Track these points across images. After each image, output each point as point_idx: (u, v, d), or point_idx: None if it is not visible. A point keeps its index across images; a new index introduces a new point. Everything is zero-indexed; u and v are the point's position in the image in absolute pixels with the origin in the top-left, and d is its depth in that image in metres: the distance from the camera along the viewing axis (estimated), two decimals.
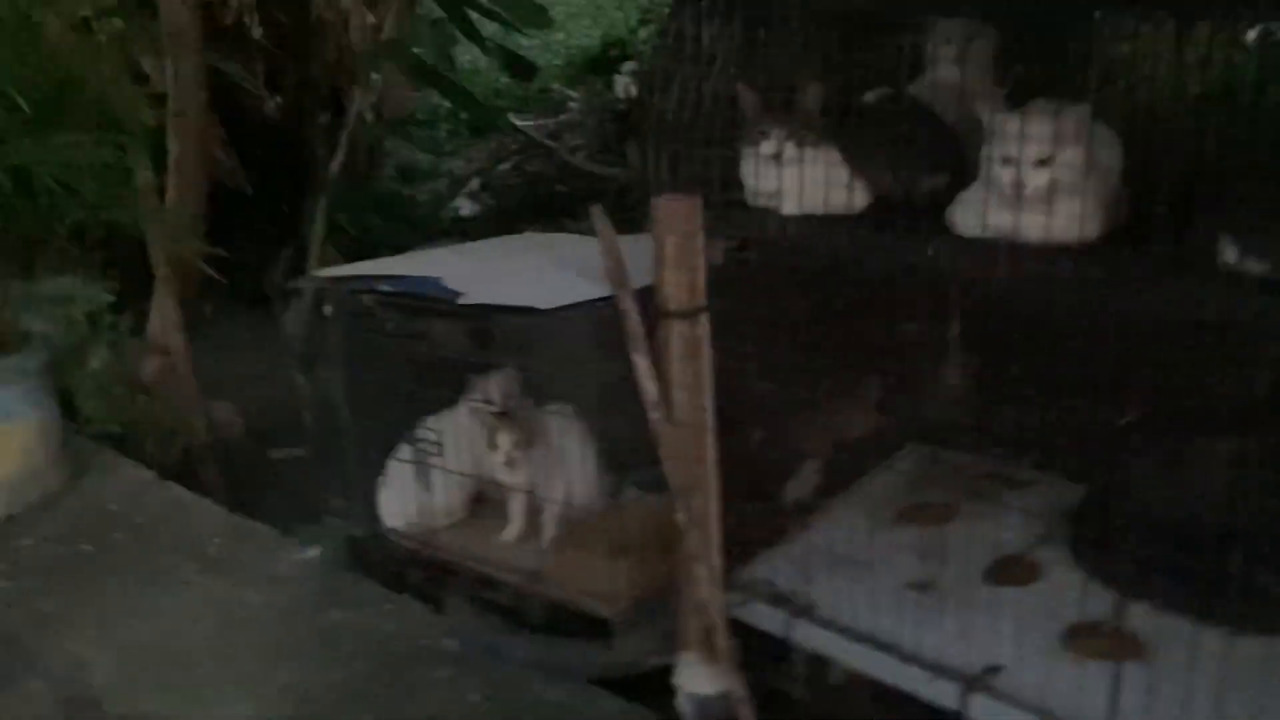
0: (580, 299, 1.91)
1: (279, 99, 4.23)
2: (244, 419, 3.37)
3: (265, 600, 2.33)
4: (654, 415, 1.78)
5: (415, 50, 4.31)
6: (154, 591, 2.37)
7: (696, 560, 1.83)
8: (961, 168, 1.72)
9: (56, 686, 2.11)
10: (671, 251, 1.73)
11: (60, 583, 2.42)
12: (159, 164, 3.21)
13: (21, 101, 2.61)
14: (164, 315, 3.13)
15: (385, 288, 2.19)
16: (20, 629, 2.28)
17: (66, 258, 3.13)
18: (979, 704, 1.66)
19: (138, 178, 2.95)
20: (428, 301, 2.09)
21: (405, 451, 2.35)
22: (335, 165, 3.81)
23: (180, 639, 2.23)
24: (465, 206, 5.65)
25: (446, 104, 5.74)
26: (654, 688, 1.96)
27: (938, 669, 1.72)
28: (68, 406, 2.96)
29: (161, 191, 3.23)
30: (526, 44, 6.19)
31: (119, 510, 2.68)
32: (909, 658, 1.75)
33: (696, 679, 1.89)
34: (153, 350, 3.13)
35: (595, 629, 2.05)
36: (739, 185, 1.86)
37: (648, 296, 1.78)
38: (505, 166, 5.99)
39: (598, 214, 1.76)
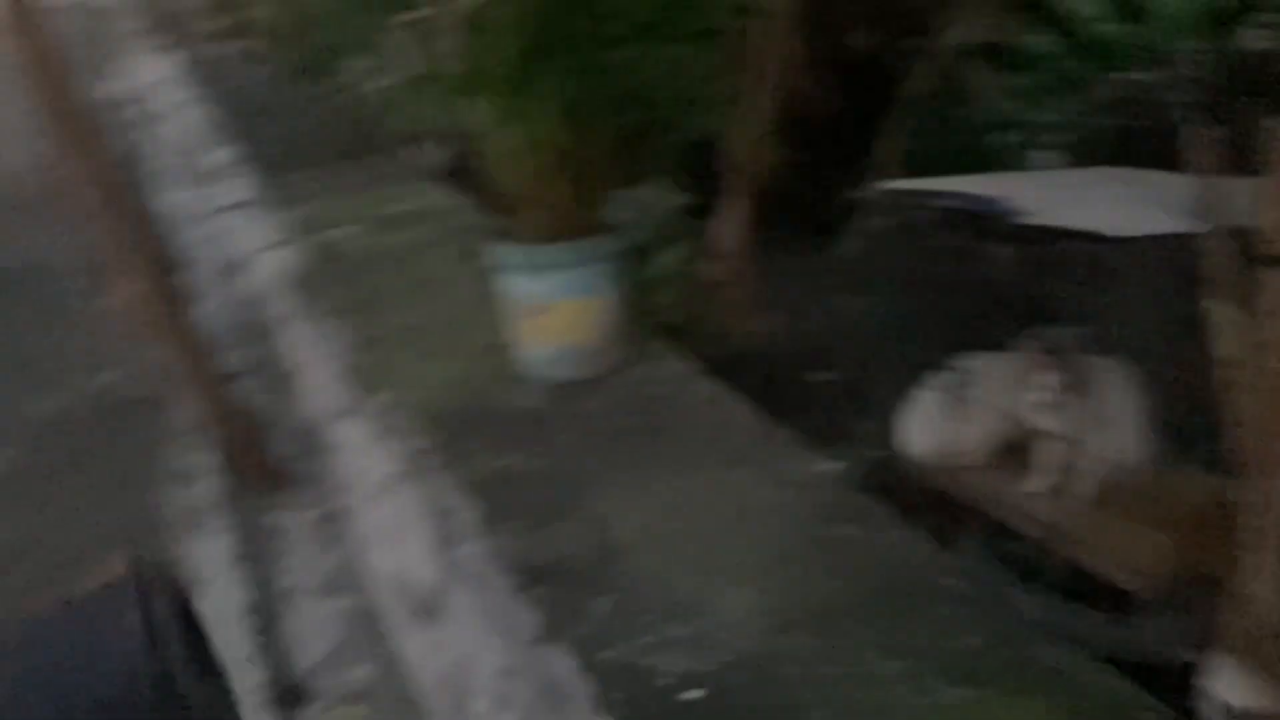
0: (1158, 231, 1.69)
1: (866, 27, 4.22)
2: (787, 335, 3.46)
3: (779, 501, 2.37)
4: (1231, 375, 1.53)
5: None
6: (679, 471, 2.51)
7: (1254, 550, 1.56)
8: None
9: (585, 533, 2.32)
10: None
11: (605, 447, 2.65)
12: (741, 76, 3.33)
13: (625, 12, 2.81)
14: (731, 223, 3.28)
15: (944, 203, 2.09)
16: (566, 479, 2.54)
17: (651, 160, 3.39)
18: None
19: (723, 87, 3.09)
20: (987, 221, 1.97)
21: (940, 380, 2.27)
22: (911, 98, 3.73)
23: (696, 518, 2.34)
24: (1043, 160, 5.31)
25: (1040, 48, 5.39)
26: (1175, 684, 1.72)
27: None
28: (636, 298, 3.23)
29: (743, 102, 3.37)
30: None
31: (663, 394, 2.87)
32: None
33: (1231, 686, 1.63)
34: (717, 255, 3.30)
35: (1117, 602, 1.84)
36: None
37: (1244, 238, 1.52)
38: (1097, 122, 5.53)
39: (1194, 137, 1.53)
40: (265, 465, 2.93)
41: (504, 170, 2.96)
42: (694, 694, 1.87)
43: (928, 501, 2.28)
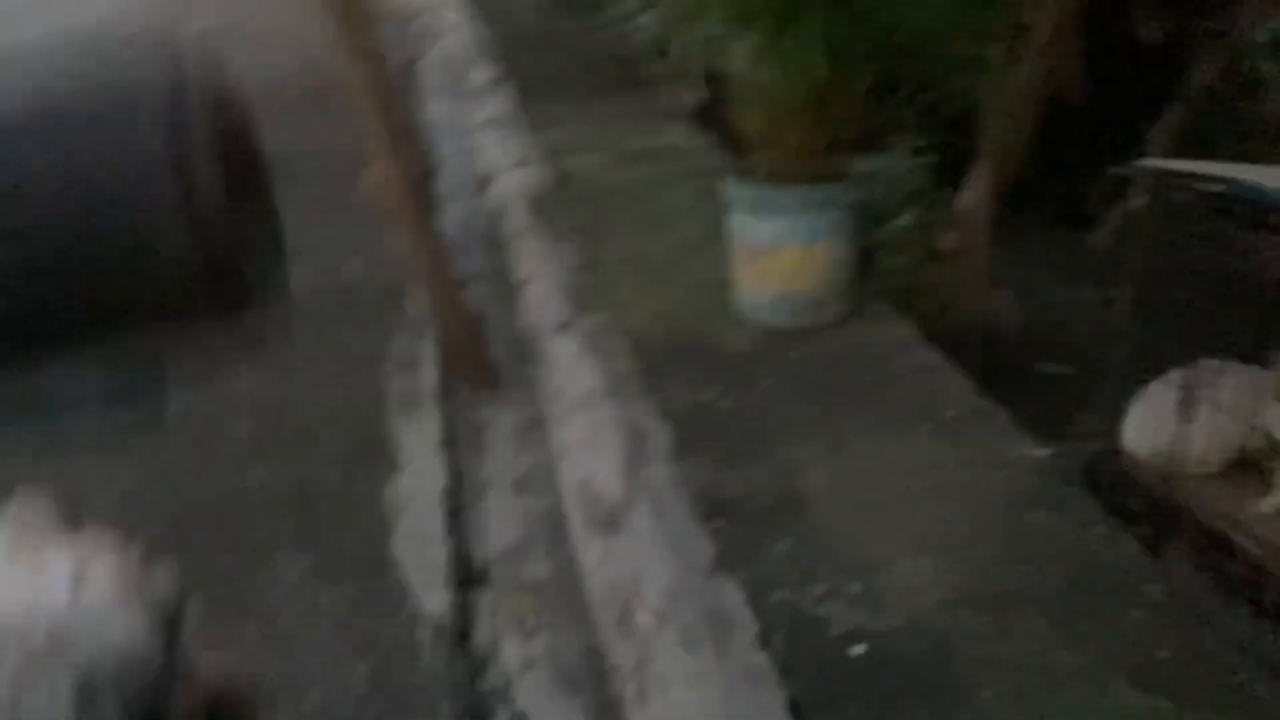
0: None
1: (1154, 11, 3.94)
2: (1020, 318, 3.31)
3: (982, 479, 2.28)
4: None
5: None
6: (882, 434, 2.45)
7: None
8: None
9: (773, 477, 2.31)
10: None
11: (808, 397, 2.61)
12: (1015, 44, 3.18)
13: None
14: (976, 193, 3.14)
15: (1212, 188, 1.93)
16: (763, 422, 2.52)
17: (902, 118, 3.29)
18: None
19: (994, 53, 2.95)
20: (1259, 210, 1.81)
21: (1179, 379, 2.10)
22: (1192, 88, 3.47)
23: (890, 482, 2.28)
24: None
25: None
26: None
27: None
28: (864, 256, 3.16)
29: (1011, 71, 3.21)
30: None
31: (878, 355, 2.80)
32: None
33: None
34: (956, 224, 3.17)
35: None
36: None
37: None
38: None
39: None
40: (482, 365, 3.03)
41: (752, 109, 2.94)
42: (859, 649, 1.84)
43: (1143, 504, 2.14)
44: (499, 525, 2.47)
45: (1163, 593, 1.89)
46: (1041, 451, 2.36)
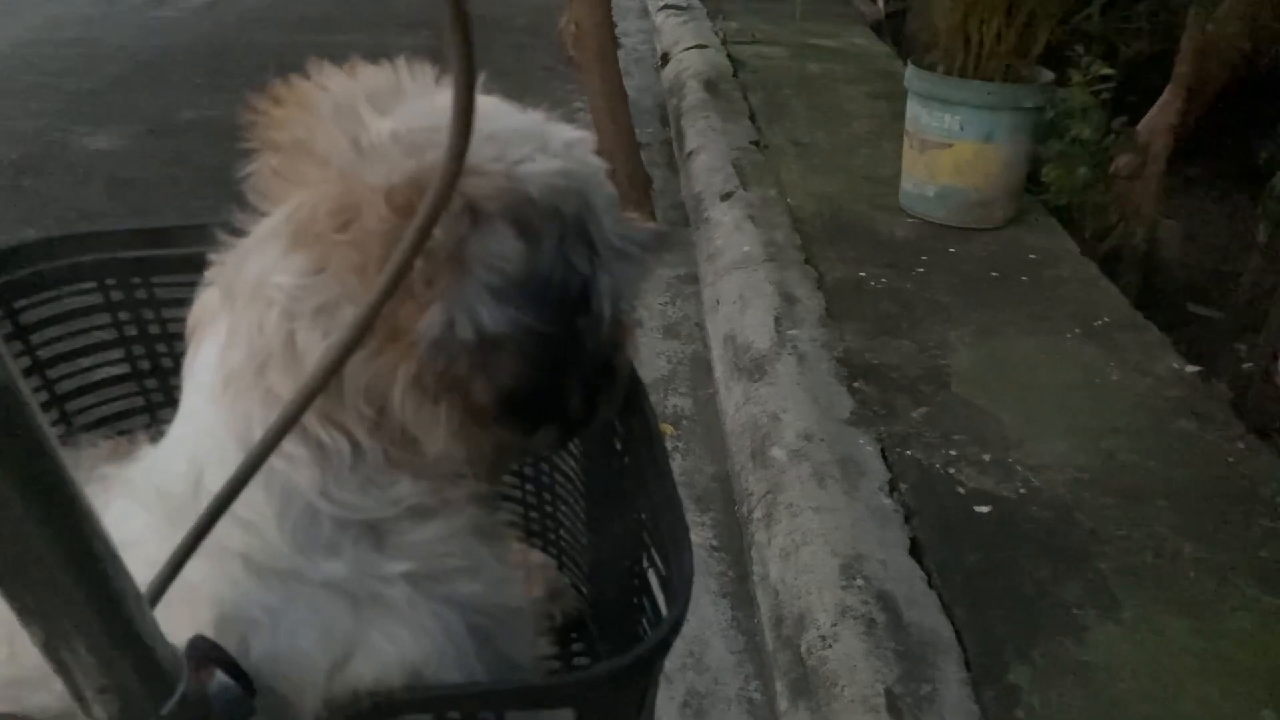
0: None
1: None
2: (1181, 255, 3.26)
3: (1125, 382, 2.30)
4: None
5: None
6: (1033, 330, 2.48)
7: None
8: None
9: (919, 352, 2.37)
10: None
11: (962, 288, 2.65)
12: None
13: None
14: (1160, 117, 3.08)
15: None
16: (915, 303, 2.57)
17: (1093, 29, 3.24)
18: None
19: None
20: None
21: None
22: None
23: (1034, 372, 2.32)
24: None
25: None
26: None
27: None
28: (1034, 171, 3.14)
29: None
30: None
31: (1036, 260, 2.81)
32: None
33: None
34: (1133, 147, 3.12)
35: None
36: None
37: None
38: None
39: None
40: (646, 219, 3.12)
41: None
42: (984, 508, 1.91)
43: None
44: (646, 361, 2.59)
45: None
46: (1191, 368, 2.36)
